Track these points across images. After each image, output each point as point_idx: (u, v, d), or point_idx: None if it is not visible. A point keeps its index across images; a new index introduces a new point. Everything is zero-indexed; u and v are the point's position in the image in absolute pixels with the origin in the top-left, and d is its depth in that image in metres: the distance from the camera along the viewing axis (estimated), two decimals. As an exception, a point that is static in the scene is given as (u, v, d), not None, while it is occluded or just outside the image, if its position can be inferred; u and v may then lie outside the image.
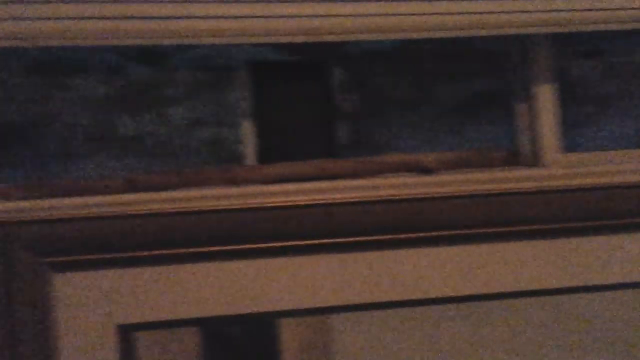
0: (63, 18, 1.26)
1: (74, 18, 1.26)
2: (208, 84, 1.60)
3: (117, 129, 1.58)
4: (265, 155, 1.55)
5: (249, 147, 1.52)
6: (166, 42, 1.31)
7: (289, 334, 1.26)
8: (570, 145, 1.59)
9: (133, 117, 1.58)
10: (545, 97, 1.50)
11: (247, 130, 1.53)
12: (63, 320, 1.20)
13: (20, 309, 1.19)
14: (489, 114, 1.63)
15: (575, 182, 1.37)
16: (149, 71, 1.58)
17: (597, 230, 1.35)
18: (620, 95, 1.67)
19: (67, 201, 1.26)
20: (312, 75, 1.59)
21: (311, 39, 1.33)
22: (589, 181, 1.37)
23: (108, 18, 1.27)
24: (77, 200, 1.26)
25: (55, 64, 1.55)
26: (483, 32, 1.38)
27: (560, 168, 1.41)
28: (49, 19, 1.26)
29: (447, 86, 1.65)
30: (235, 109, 1.58)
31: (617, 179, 1.37)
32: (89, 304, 1.21)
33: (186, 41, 1.31)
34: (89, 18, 1.27)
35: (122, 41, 1.30)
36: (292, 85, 1.56)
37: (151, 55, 1.58)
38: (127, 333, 1.22)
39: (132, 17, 1.28)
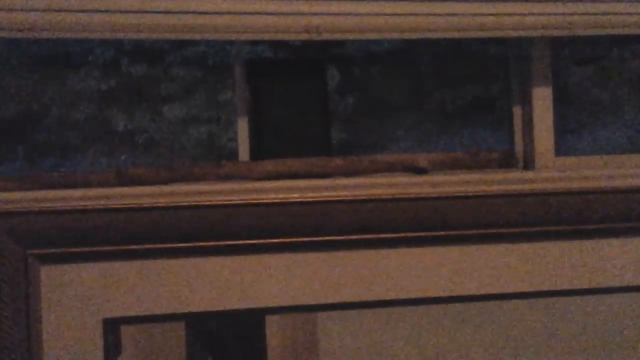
0: (58, 10, 1.26)
1: (70, 10, 1.26)
2: (203, 82, 1.59)
3: (111, 125, 1.57)
4: (259, 154, 1.54)
5: (243, 146, 1.52)
6: (161, 36, 1.31)
7: (276, 331, 1.25)
8: (563, 149, 1.59)
9: (127, 113, 1.57)
10: (541, 101, 1.50)
11: (242, 129, 1.52)
12: (49, 312, 1.19)
13: (5, 300, 1.18)
14: (485, 118, 1.62)
15: (568, 185, 1.37)
16: (144, 68, 1.58)
17: (588, 234, 1.35)
18: (613, 101, 1.66)
19: (55, 193, 1.25)
20: (309, 74, 1.58)
21: (309, 37, 1.33)
22: (581, 185, 1.37)
23: (104, 11, 1.27)
24: (66, 192, 1.26)
25: (51, 59, 1.55)
26: (481, 34, 1.38)
27: (553, 171, 1.41)
28: (45, 10, 1.26)
29: (443, 89, 1.64)
30: (230, 107, 1.57)
31: (609, 184, 1.37)
32: (75, 296, 1.20)
33: (182, 36, 1.31)
34: (85, 11, 1.27)
35: (118, 35, 1.29)
36: (288, 84, 1.55)
37: (146, 52, 1.57)
38: (112, 326, 1.21)
39: (128, 11, 1.28)
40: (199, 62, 1.59)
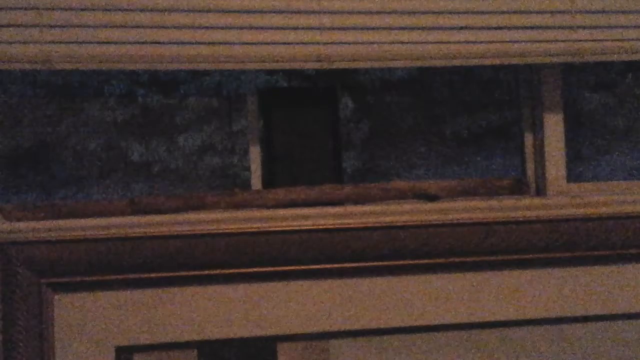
0: (76, 42, 1.28)
1: (87, 42, 1.28)
2: (218, 111, 1.60)
3: (126, 155, 1.59)
4: (272, 182, 1.55)
5: (255, 174, 1.52)
6: (177, 67, 1.32)
7: (288, 358, 1.25)
8: (576, 175, 1.58)
9: (142, 143, 1.58)
10: (553, 127, 1.50)
11: (254, 157, 1.53)
12: (62, 340, 1.20)
13: (19, 328, 1.19)
14: (497, 144, 1.62)
15: (579, 212, 1.36)
16: (160, 98, 1.59)
17: (600, 261, 1.34)
18: (626, 127, 1.66)
19: (69, 222, 1.26)
20: (322, 103, 1.59)
21: (321, 65, 1.34)
22: (592, 211, 1.36)
23: (120, 43, 1.29)
24: (80, 221, 1.27)
25: (67, 90, 1.57)
26: (492, 61, 1.38)
27: (565, 198, 1.40)
28: (61, 42, 1.27)
29: (455, 116, 1.64)
30: (244, 136, 1.58)
31: (621, 210, 1.36)
32: (88, 325, 1.21)
33: (197, 67, 1.32)
34: (102, 42, 1.28)
35: (134, 66, 1.31)
36: (301, 113, 1.56)
37: (162, 83, 1.59)
38: (125, 355, 1.21)
39: (143, 43, 1.30)
40: (214, 92, 1.60)
